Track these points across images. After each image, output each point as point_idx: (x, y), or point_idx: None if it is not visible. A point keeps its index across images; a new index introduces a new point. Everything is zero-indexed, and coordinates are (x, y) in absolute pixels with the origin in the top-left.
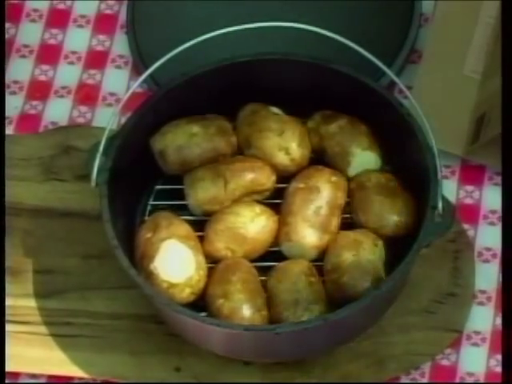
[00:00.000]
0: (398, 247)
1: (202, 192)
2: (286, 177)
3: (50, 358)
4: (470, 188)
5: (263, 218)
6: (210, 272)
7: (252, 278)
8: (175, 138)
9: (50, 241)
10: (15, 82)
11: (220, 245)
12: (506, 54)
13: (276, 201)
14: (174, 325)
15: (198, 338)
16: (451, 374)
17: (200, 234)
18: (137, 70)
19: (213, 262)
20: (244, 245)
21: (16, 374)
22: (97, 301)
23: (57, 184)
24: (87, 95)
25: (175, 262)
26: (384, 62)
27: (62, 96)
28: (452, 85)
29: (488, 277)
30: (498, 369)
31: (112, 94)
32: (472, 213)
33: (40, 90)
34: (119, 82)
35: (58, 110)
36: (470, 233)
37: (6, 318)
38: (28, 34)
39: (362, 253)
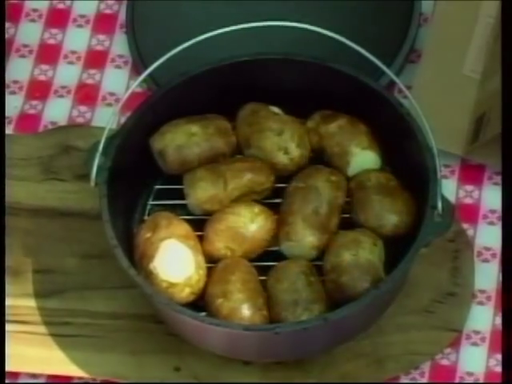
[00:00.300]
0: (397, 247)
1: (202, 192)
2: (285, 176)
3: (49, 357)
4: (469, 188)
5: (263, 217)
6: (210, 272)
7: (251, 278)
8: (175, 137)
9: (49, 241)
10: (15, 82)
11: (219, 244)
12: (505, 53)
13: (275, 200)
14: (174, 324)
15: (197, 337)
16: (451, 374)
17: (199, 233)
18: (136, 70)
19: (212, 261)
20: (243, 244)
21: (16, 374)
22: (96, 300)
23: (56, 184)
24: (87, 95)
25: (175, 261)
26: (383, 61)
27: (61, 96)
28: (451, 84)
29: (487, 276)
30: (498, 368)
31: (111, 94)
32: (471, 212)
33: (39, 90)
34: (119, 82)
35: (57, 110)
36: (470, 232)
37: (6, 317)
38: (27, 33)
39: (362, 252)
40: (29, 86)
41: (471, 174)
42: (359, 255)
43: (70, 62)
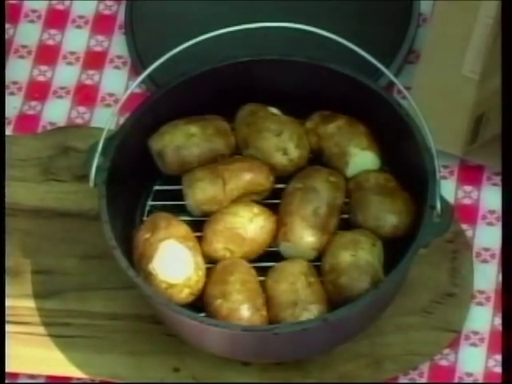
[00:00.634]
0: (396, 247)
1: (201, 192)
2: (284, 177)
3: (48, 358)
4: (468, 188)
5: (261, 218)
6: (209, 272)
7: (250, 279)
8: (173, 138)
9: (48, 241)
10: (14, 83)
11: (218, 245)
12: (505, 53)
13: (274, 201)
14: (173, 325)
15: (196, 338)
16: (450, 374)
17: (198, 234)
18: (135, 71)
19: (211, 262)
20: (242, 245)
21: (15, 375)
22: (95, 301)
23: (55, 184)
24: (86, 96)
25: (174, 262)
26: (382, 62)
27: (60, 96)
28: (450, 85)
29: (486, 277)
30: (497, 369)
31: (110, 95)
32: (470, 213)
33: (38, 91)
34: (118, 83)
35: (56, 111)
36: (469, 233)
37: (5, 318)
38: (26, 34)
39: (361, 253)
40: (28, 86)
41: (470, 174)
42: (358, 256)
43: (69, 63)
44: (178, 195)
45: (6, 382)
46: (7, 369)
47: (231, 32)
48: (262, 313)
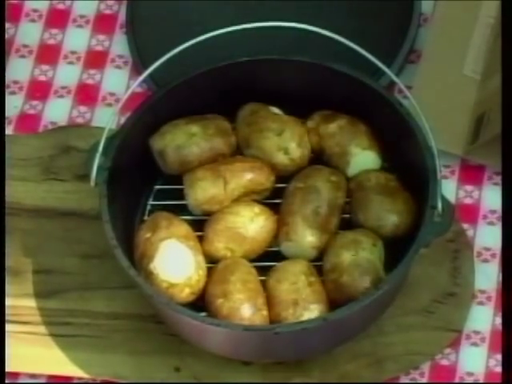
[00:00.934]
0: (397, 247)
1: (202, 192)
2: (285, 177)
3: (49, 357)
4: (469, 188)
5: (262, 217)
6: (210, 272)
7: (251, 278)
8: (174, 138)
9: (49, 241)
10: (15, 82)
11: (219, 245)
12: (506, 53)
13: (275, 201)
14: (174, 325)
15: (197, 338)
16: (451, 374)
17: (199, 233)
18: (136, 70)
19: (212, 261)
20: (243, 245)
21: (15, 374)
22: (96, 301)
23: (56, 184)
24: (87, 95)
25: (175, 261)
26: (383, 61)
27: (61, 96)
28: (451, 84)
29: (487, 276)
30: (498, 369)
31: (111, 94)
32: (471, 212)
33: (39, 90)
34: (119, 82)
35: (57, 110)
36: (470, 232)
37: (6, 317)
38: (27, 34)
39: (362, 253)
40: (29, 86)
41: (471, 174)
42: (359, 255)
43: (70, 63)
44: (179, 195)
45: (7, 381)
46: (8, 368)
47: (232, 32)
48: (263, 312)
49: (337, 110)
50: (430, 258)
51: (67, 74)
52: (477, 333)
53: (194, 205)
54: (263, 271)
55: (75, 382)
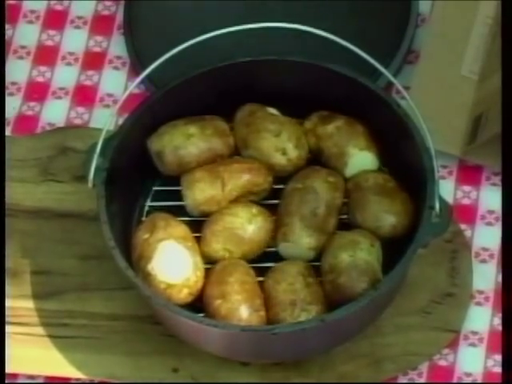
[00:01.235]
0: (395, 247)
1: (200, 193)
2: (283, 177)
3: (47, 358)
4: (467, 188)
5: (260, 218)
6: (208, 273)
7: (249, 279)
8: (172, 138)
9: (47, 242)
10: (13, 84)
11: (217, 246)
12: (506, 53)
13: (273, 201)
14: (172, 326)
15: (195, 338)
16: (449, 374)
17: (197, 234)
18: (134, 71)
19: (210, 262)
20: (241, 245)
21: (14, 375)
22: (94, 302)
23: (54, 185)
24: (85, 96)
25: (173, 262)
26: (381, 62)
27: (59, 97)
28: (449, 85)
29: (485, 277)
30: (496, 369)
31: (109, 95)
32: (469, 213)
33: (37, 91)
34: (117, 83)
35: (55, 111)
36: (468, 233)
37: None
38: (25, 35)
39: (359, 253)
40: (27, 87)
41: (469, 174)
42: (357, 256)
43: (68, 64)
44: (177, 196)
45: (5, 382)
46: (6, 369)
47: (230, 32)
48: (261, 313)
49: (334, 110)
50: (428, 259)
51: (65, 75)
52: (475, 333)
53: (192, 206)
54: (261, 272)
55: (73, 382)
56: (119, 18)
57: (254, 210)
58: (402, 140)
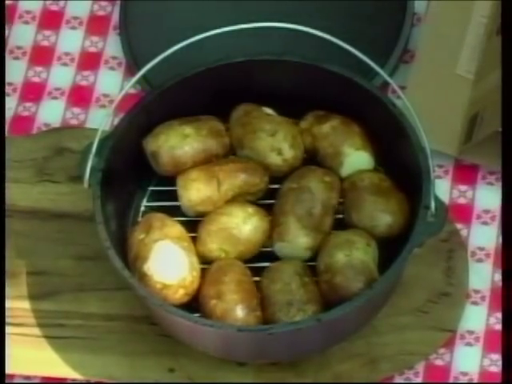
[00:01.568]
0: (390, 247)
1: (195, 193)
2: (278, 177)
3: (43, 359)
4: (463, 187)
5: (256, 218)
6: (204, 273)
7: (245, 279)
8: (168, 139)
9: (43, 242)
10: (9, 84)
11: (213, 246)
12: (505, 53)
13: (269, 201)
14: (168, 326)
15: (191, 338)
16: (445, 374)
17: (193, 234)
18: (130, 71)
19: (206, 262)
20: (237, 245)
21: (10, 376)
22: (90, 302)
23: (50, 185)
24: (80, 97)
25: (168, 263)
26: (377, 62)
27: (55, 97)
28: (445, 84)
29: (481, 276)
30: (492, 368)
31: (105, 95)
32: (465, 212)
33: (33, 92)
34: (112, 83)
35: (51, 112)
36: (463, 232)
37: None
38: (21, 35)
39: (355, 253)
40: (22, 87)
41: (465, 173)
42: (353, 256)
43: (64, 64)
44: (173, 196)
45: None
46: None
47: (225, 32)
48: (257, 313)
49: (330, 110)
50: (424, 258)
51: (61, 76)
52: (471, 332)
53: (188, 206)
54: (257, 272)
55: (69, 383)
56: (115, 18)
57: (250, 209)
58: (398, 139)
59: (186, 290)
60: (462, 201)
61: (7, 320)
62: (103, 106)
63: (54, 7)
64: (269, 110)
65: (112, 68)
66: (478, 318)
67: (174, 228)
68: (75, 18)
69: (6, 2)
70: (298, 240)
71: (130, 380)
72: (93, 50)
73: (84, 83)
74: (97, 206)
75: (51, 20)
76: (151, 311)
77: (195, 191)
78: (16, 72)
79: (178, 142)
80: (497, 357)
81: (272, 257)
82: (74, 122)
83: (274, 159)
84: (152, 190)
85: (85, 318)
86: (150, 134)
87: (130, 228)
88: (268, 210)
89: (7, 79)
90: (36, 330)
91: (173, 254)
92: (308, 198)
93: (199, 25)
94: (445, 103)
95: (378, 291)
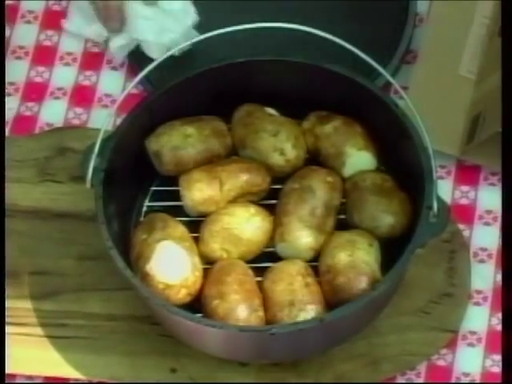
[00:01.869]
0: (393, 247)
1: (198, 193)
2: (281, 177)
3: (45, 359)
4: (465, 188)
5: (258, 218)
6: (206, 273)
7: (247, 279)
8: (170, 139)
9: (45, 242)
10: (11, 84)
11: (215, 246)
12: (505, 53)
13: (271, 201)
14: (170, 326)
15: (193, 339)
16: (447, 374)
17: (195, 235)
18: (132, 72)
19: (208, 262)
20: (239, 245)
21: (12, 376)
22: (92, 302)
23: (52, 185)
24: (83, 97)
25: (171, 263)
26: (379, 62)
27: (57, 97)
28: (447, 85)
29: (484, 277)
30: (494, 369)
31: (107, 95)
32: (467, 213)
33: (36, 92)
34: (115, 84)
35: (53, 112)
36: (466, 233)
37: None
38: (23, 35)
39: (357, 253)
40: (25, 87)
41: (467, 174)
42: (355, 256)
43: (66, 64)
44: (175, 196)
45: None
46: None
47: (228, 32)
48: (259, 313)
49: (332, 110)
50: (426, 259)
51: (63, 76)
52: (473, 333)
53: (190, 206)
54: (259, 272)
55: (71, 383)
56: None
57: (252, 210)
58: (400, 140)
59: (188, 290)
60: (464, 201)
61: (9, 320)
62: (105, 106)
63: (57, 7)
64: (271, 111)
65: (114, 68)
66: (480, 318)
67: (177, 228)
68: None
69: (9, 2)
70: (300, 240)
71: (131, 380)
72: (95, 50)
73: (86, 83)
74: (99, 206)
75: (54, 20)
76: (153, 311)
77: (197, 191)
78: (18, 72)
79: (180, 142)
80: (499, 357)
81: (274, 257)
82: (76, 121)
83: (277, 159)
84: (154, 190)
85: (87, 318)
86: (153, 134)
87: (132, 228)
88: (270, 210)
89: (9, 79)
90: (38, 330)
91: (175, 254)
92: (310, 199)
93: (201, 25)
94: (447, 104)
95: (381, 292)
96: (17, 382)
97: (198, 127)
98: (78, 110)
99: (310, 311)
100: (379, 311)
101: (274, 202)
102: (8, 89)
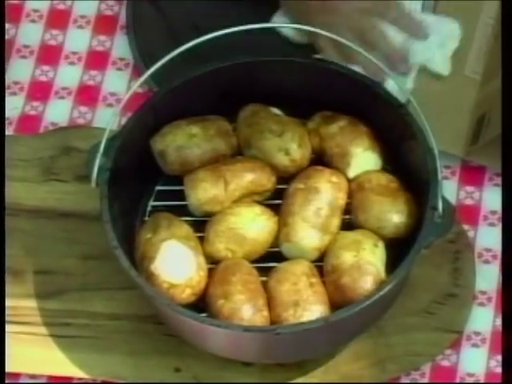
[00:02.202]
0: (398, 248)
1: (203, 193)
2: (286, 177)
3: (49, 358)
4: (470, 189)
5: (263, 218)
6: (211, 273)
7: (252, 279)
8: (175, 138)
9: (49, 241)
10: (16, 83)
11: (220, 245)
12: (506, 54)
13: (276, 201)
14: (175, 325)
15: (198, 338)
16: (451, 375)
17: (200, 234)
18: (137, 71)
19: (213, 262)
20: (244, 245)
21: (16, 375)
22: (96, 301)
23: (57, 185)
24: (88, 96)
25: (175, 262)
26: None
27: (62, 97)
28: (453, 85)
29: (488, 277)
30: (498, 369)
31: (112, 95)
32: (472, 214)
33: (40, 91)
34: (120, 83)
35: (58, 111)
36: (470, 234)
37: (6, 318)
38: (28, 34)
39: (362, 254)
40: (30, 86)
41: (472, 175)
42: (360, 256)
43: (71, 63)
44: (180, 195)
45: (7, 382)
46: (8, 369)
47: (233, 32)
48: (264, 313)
49: (337, 110)
50: (431, 259)
51: (68, 75)
52: (477, 334)
53: (195, 205)
54: (264, 272)
55: (75, 382)
56: (122, 17)
57: (257, 209)
58: (405, 140)
59: (192, 289)
60: (469, 202)
61: (13, 319)
62: (110, 106)
63: (62, 6)
64: (276, 111)
65: (119, 67)
66: (485, 319)
67: (181, 228)
68: (82, 17)
69: (14, 1)
70: (305, 240)
71: (135, 379)
72: (100, 49)
73: (91, 82)
74: (104, 206)
75: (58, 19)
76: (157, 311)
77: (202, 191)
78: (23, 71)
79: (185, 142)
80: None
81: (279, 257)
82: (81, 121)
83: (282, 159)
84: (159, 190)
85: (90, 318)
86: (158, 134)
87: (137, 227)
88: (275, 210)
89: (14, 78)
90: (42, 329)
91: (180, 253)
92: (315, 199)
93: (206, 25)
94: (452, 104)
95: (385, 292)
96: (20, 381)
97: (203, 127)
98: (83, 109)
99: (314, 311)
100: (384, 311)
101: (278, 202)
102: (13, 88)
